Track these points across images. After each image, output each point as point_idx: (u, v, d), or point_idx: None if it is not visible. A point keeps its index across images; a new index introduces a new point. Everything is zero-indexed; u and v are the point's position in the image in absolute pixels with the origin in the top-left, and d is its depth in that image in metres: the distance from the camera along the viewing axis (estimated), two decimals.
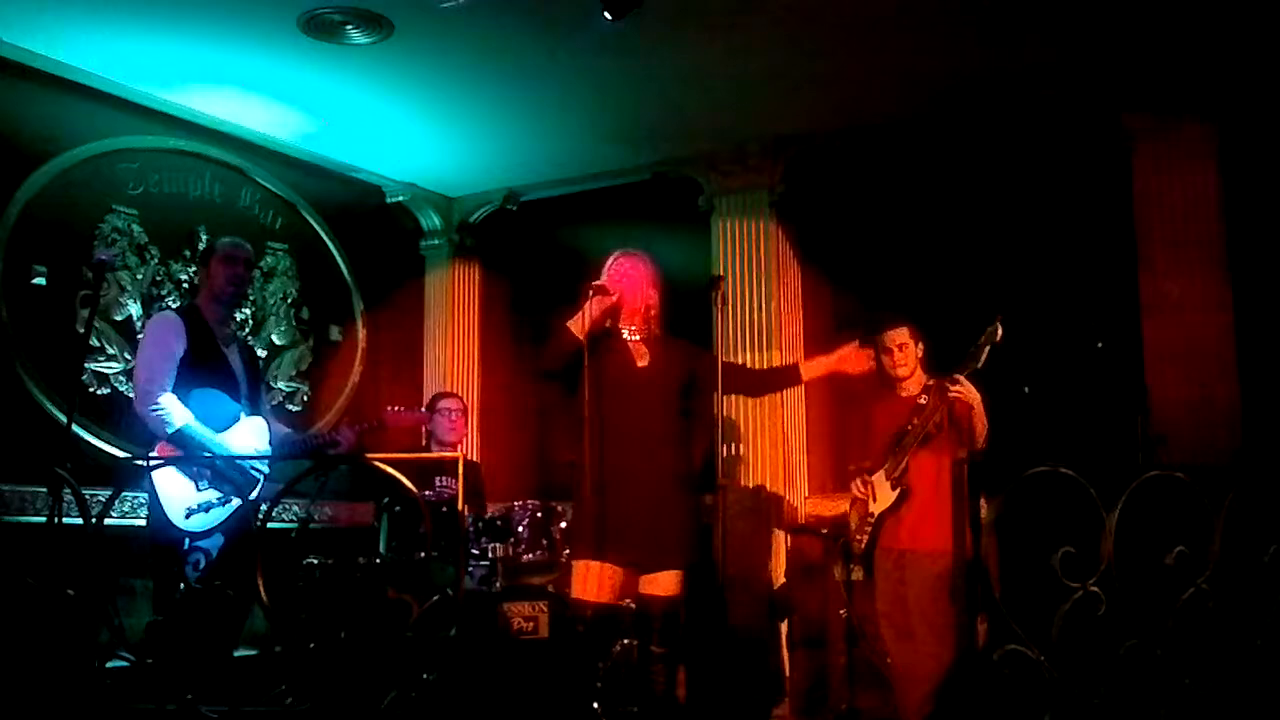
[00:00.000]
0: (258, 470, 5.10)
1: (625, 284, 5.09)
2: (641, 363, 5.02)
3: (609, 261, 5.15)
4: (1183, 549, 3.94)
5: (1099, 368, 6.19)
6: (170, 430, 4.88)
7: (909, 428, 5.55)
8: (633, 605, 4.87)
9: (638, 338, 5.07)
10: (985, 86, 6.49)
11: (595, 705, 4.57)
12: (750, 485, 7.24)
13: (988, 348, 5.31)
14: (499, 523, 5.81)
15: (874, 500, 5.67)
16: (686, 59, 6.19)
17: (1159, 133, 6.37)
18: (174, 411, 4.88)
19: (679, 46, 6.03)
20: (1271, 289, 6.17)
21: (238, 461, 4.96)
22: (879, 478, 5.65)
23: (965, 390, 5.37)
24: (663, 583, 4.78)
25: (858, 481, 5.76)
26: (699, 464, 5.11)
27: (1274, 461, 5.81)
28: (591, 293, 4.90)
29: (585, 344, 4.80)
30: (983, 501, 3.65)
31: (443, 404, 6.76)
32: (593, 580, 4.73)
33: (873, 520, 5.65)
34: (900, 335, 5.71)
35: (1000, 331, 5.28)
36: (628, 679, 4.70)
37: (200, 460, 4.87)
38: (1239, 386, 6.10)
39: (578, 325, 4.86)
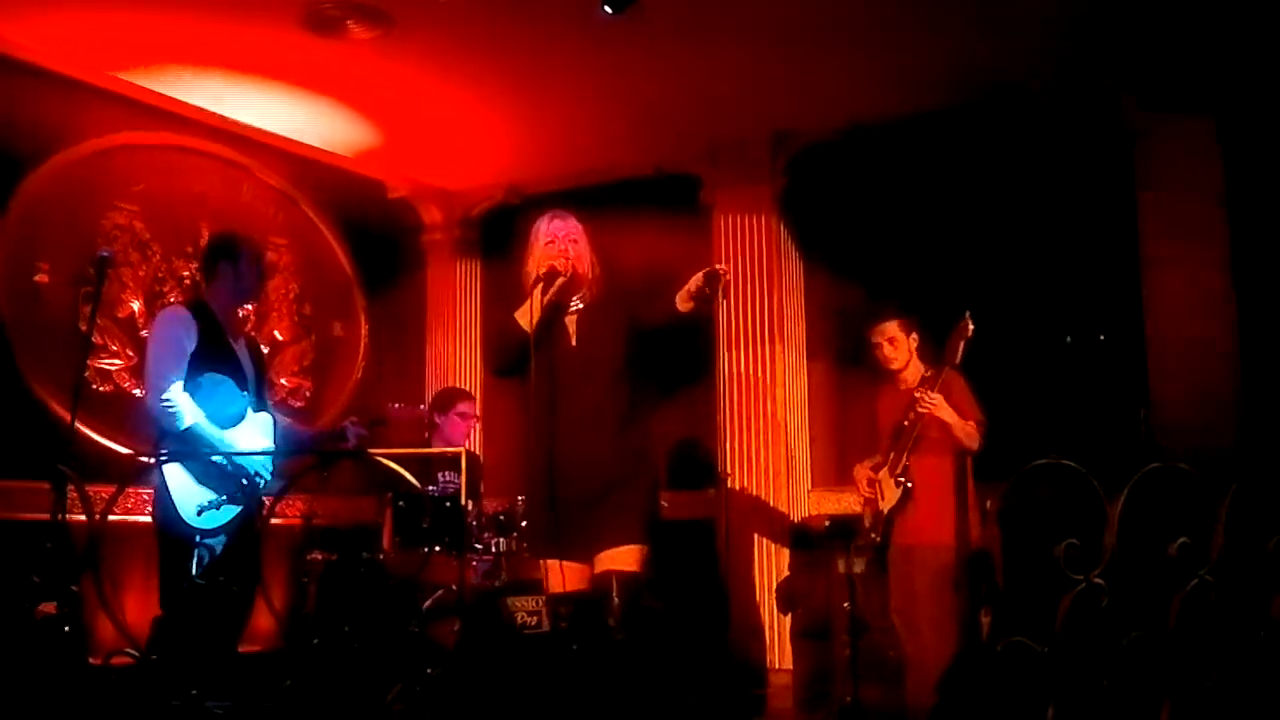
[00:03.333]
0: (260, 475, 5.09)
1: (574, 258, 4.63)
2: (573, 340, 4.62)
3: (541, 227, 4.67)
4: (1186, 540, 3.94)
5: (1101, 360, 6.19)
6: (180, 427, 4.87)
7: (905, 423, 5.56)
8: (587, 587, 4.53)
9: (578, 309, 4.65)
10: (987, 81, 6.49)
11: (598, 698, 4.53)
12: (753, 478, 7.24)
13: (961, 343, 5.30)
14: (502, 517, 5.82)
15: (883, 499, 5.66)
16: (687, 54, 6.19)
17: (1161, 126, 6.36)
18: (185, 408, 4.88)
19: (680, 41, 6.03)
20: (1274, 281, 6.17)
21: (241, 464, 4.94)
22: (884, 475, 5.65)
23: (938, 405, 5.36)
24: (620, 557, 4.40)
25: (864, 483, 5.75)
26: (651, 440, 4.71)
27: (1277, 452, 5.81)
28: (542, 279, 4.49)
29: (532, 336, 4.45)
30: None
31: (462, 407, 6.72)
32: (563, 575, 4.45)
33: (884, 518, 5.65)
34: (889, 329, 5.71)
35: (971, 326, 5.27)
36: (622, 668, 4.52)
37: (205, 458, 4.87)
38: (1241, 377, 6.10)
39: (525, 316, 4.49)
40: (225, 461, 4.88)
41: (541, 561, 4.61)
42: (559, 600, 4.49)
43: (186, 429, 4.87)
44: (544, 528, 4.53)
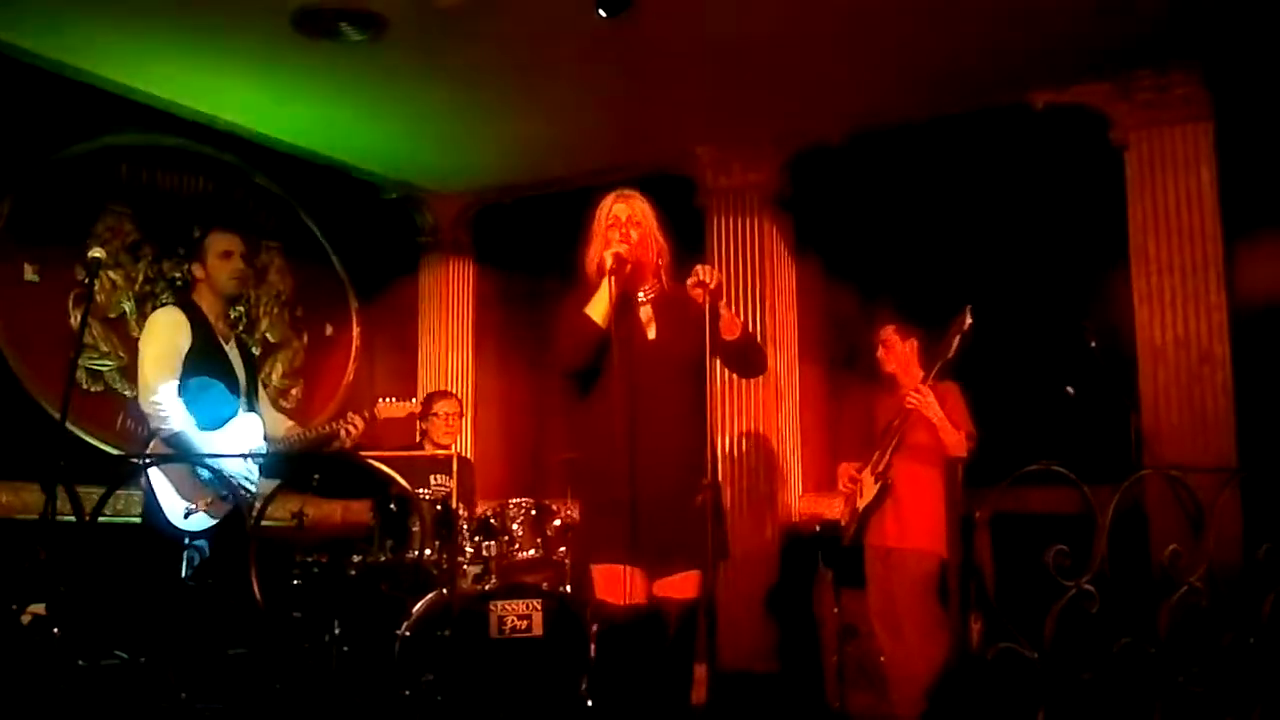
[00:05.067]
0: (245, 489, 5.07)
1: (637, 242, 4.23)
2: (651, 334, 4.23)
3: (604, 209, 4.31)
4: (1175, 547, 3.95)
5: (1091, 365, 6.19)
6: (167, 432, 4.87)
7: (895, 423, 5.57)
8: (645, 604, 4.16)
9: (649, 299, 4.28)
10: (981, 85, 6.50)
11: (590, 704, 4.50)
12: (744, 482, 7.24)
13: (957, 338, 5.30)
14: (493, 521, 5.81)
15: (860, 495, 5.68)
16: (682, 57, 6.18)
17: (1153, 129, 6.37)
18: (174, 414, 4.86)
19: (674, 45, 6.02)
20: (1266, 285, 6.18)
21: (227, 475, 4.91)
22: (866, 473, 5.66)
23: (923, 402, 5.36)
24: (680, 585, 4.10)
25: (844, 479, 5.77)
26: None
27: (1266, 460, 5.82)
28: (610, 269, 4.08)
29: (612, 331, 4.05)
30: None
31: (439, 406, 6.74)
32: (618, 583, 4.08)
33: (858, 516, 5.66)
34: (884, 333, 5.75)
35: (969, 320, 5.26)
36: (629, 678, 4.40)
37: (193, 460, 4.85)
38: (1233, 384, 6.11)
39: (599, 310, 4.10)
40: (211, 466, 4.85)
41: (596, 567, 4.22)
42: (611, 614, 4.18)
43: (173, 435, 4.86)
44: (604, 533, 4.15)
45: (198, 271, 5.18)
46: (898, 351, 5.72)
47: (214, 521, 4.84)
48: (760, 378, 7.22)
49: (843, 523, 5.81)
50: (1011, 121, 6.69)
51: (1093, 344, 5.79)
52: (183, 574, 4.73)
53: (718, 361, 4.15)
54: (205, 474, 4.81)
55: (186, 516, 4.81)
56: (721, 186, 7.54)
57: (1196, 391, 6.14)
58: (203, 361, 5.02)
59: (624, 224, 4.24)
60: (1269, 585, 4.18)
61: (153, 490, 4.81)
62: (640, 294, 4.27)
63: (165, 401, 4.86)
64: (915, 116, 6.87)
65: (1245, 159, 6.23)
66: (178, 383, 4.91)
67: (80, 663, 4.38)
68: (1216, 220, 6.24)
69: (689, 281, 4.08)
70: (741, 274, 7.39)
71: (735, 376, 7.13)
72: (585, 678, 5.34)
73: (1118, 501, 3.73)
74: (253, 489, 5.10)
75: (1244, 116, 6.24)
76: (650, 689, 4.14)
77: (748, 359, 4.32)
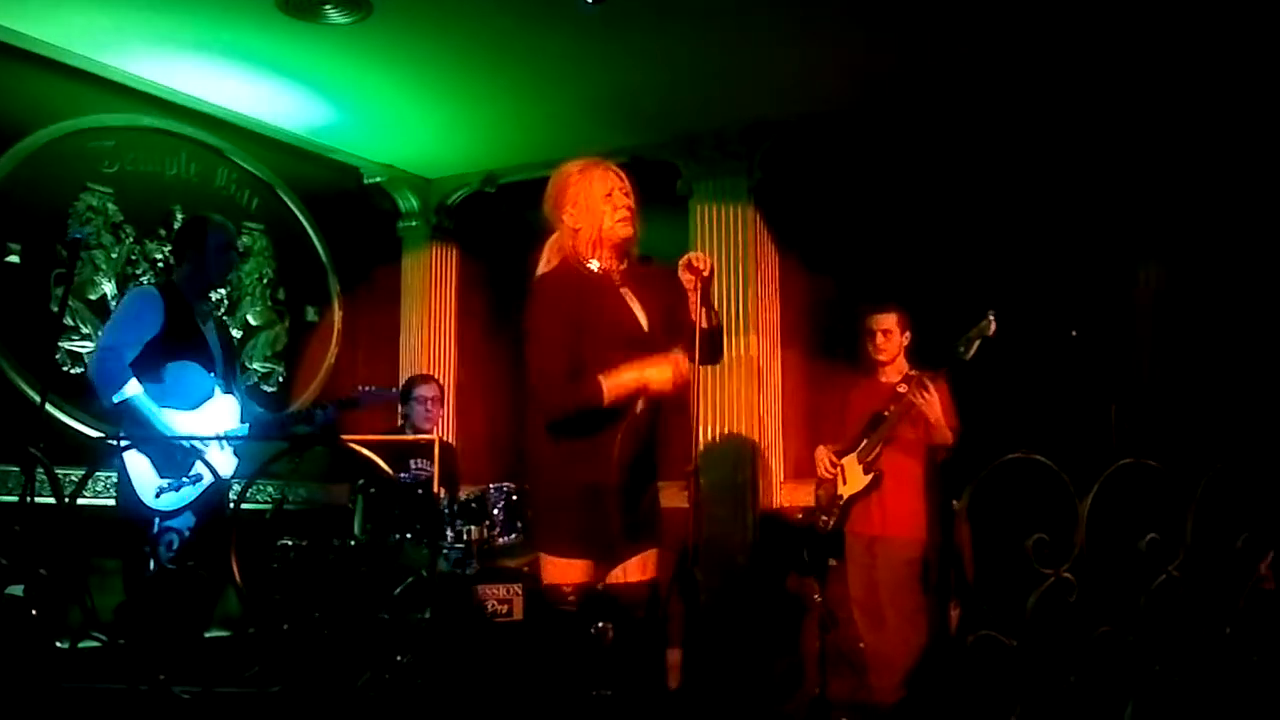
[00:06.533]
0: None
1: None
2: (644, 325, 4.03)
3: (594, 175, 4.08)
4: (1155, 536, 3.96)
5: (1073, 356, 6.21)
6: (116, 399, 4.82)
7: (886, 414, 5.57)
8: (601, 588, 4.03)
9: (625, 280, 4.06)
10: (964, 76, 6.50)
11: (569, 688, 4.47)
12: (726, 469, 7.24)
13: (978, 341, 5.31)
14: (474, 505, 5.81)
15: (844, 482, 5.68)
16: (665, 44, 6.18)
17: (1134, 121, 6.40)
18: (125, 381, 4.83)
19: (657, 31, 6.02)
20: (1248, 277, 6.21)
21: (188, 444, 4.87)
22: (850, 460, 5.67)
23: (930, 401, 5.39)
24: (633, 568, 3.99)
25: (826, 462, 5.77)
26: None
27: (1245, 449, 5.85)
28: (699, 294, 3.86)
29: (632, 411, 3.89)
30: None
31: (419, 391, 6.74)
32: (565, 569, 3.96)
33: (841, 502, 5.67)
34: (886, 320, 5.73)
35: (994, 326, 5.28)
36: (604, 662, 4.39)
37: (172, 440, 4.84)
38: (1210, 374, 6.14)
39: (632, 382, 3.86)
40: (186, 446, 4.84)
41: (544, 556, 4.04)
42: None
43: (124, 401, 4.82)
44: (563, 523, 3.97)
45: (190, 257, 5.16)
46: (895, 340, 5.73)
47: (187, 501, 4.83)
48: (744, 364, 7.27)
49: (818, 507, 5.80)
50: (996, 111, 6.68)
51: (1074, 333, 5.81)
52: (162, 557, 4.72)
53: (695, 350, 3.97)
54: (175, 444, 4.81)
55: (158, 495, 4.79)
56: (704, 174, 7.53)
57: (1170, 380, 6.16)
58: (179, 342, 5.01)
59: (625, 195, 4.02)
60: (1246, 575, 4.20)
61: (125, 471, 4.80)
62: (616, 276, 4.05)
63: (115, 370, 4.81)
64: (902, 104, 6.86)
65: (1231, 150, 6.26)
66: (133, 358, 4.87)
67: (58, 645, 4.37)
68: (1201, 209, 6.24)
69: (680, 264, 3.95)
70: (723, 261, 7.36)
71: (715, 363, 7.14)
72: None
73: (1097, 490, 3.74)
74: (230, 466, 5.10)
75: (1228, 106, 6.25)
76: (623, 673, 4.09)
77: (716, 348, 4.11)
